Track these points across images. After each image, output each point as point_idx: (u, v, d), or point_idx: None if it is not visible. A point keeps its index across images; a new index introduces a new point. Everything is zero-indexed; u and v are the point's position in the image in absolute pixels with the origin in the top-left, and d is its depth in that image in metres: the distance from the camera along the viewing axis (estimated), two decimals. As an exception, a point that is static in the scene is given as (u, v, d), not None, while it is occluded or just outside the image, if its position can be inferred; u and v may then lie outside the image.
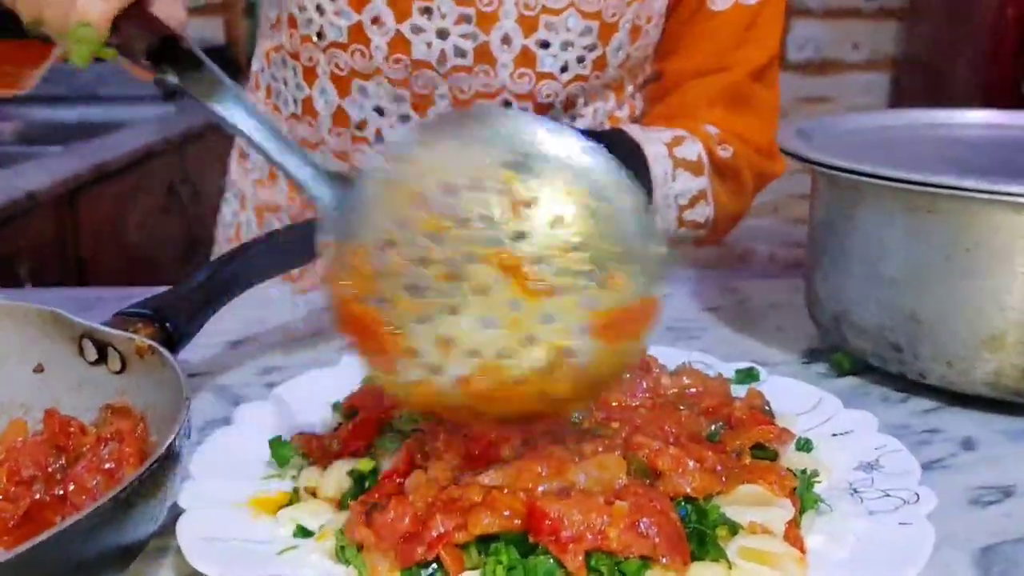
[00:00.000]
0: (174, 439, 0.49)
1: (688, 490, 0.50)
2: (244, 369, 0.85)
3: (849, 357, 0.82)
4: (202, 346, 0.90)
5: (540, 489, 0.50)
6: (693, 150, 1.00)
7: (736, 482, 0.52)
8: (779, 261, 3.01)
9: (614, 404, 0.59)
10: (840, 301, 0.81)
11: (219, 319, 0.97)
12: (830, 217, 0.81)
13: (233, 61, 2.97)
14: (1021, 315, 0.70)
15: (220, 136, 1.27)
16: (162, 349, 0.62)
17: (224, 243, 1.20)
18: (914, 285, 0.74)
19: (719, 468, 0.52)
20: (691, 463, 0.51)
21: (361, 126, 1.02)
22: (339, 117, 1.03)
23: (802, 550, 0.51)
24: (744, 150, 1.04)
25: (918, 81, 3.32)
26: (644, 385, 0.62)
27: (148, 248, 2.17)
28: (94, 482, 0.59)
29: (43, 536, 0.41)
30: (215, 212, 1.25)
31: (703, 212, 1.02)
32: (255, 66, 1.15)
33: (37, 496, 0.59)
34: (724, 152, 1.02)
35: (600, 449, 0.53)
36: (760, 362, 0.85)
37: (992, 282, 0.70)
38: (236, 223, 1.17)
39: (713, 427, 0.58)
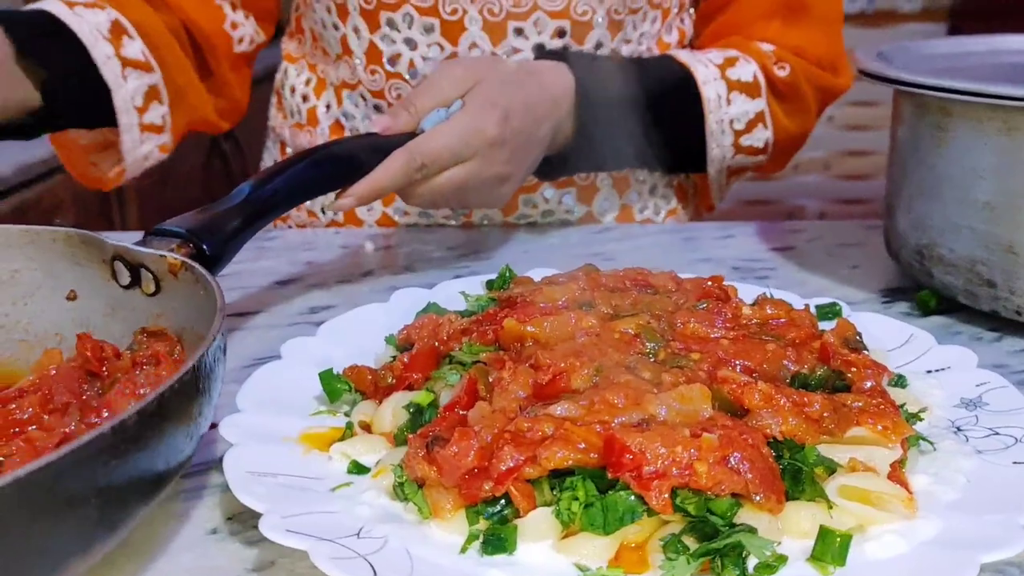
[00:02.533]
0: (206, 350, 0.45)
1: (776, 432, 0.45)
2: (292, 307, 0.81)
3: (935, 295, 0.76)
4: (248, 286, 0.87)
5: (617, 421, 0.45)
6: (748, 71, 0.95)
7: (847, 426, 0.47)
8: (831, 219, 2.93)
9: (690, 334, 0.54)
10: (926, 233, 0.75)
11: (266, 259, 0.94)
12: (916, 143, 0.75)
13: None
14: None
15: (263, 90, 1.23)
16: (196, 265, 0.58)
17: (267, 186, 1.16)
18: (1012, 212, 0.68)
19: (826, 416, 0.47)
20: (783, 400, 0.46)
21: (393, 61, 0.97)
22: (372, 53, 0.98)
23: (908, 491, 0.46)
24: (803, 66, 0.97)
25: (976, 29, 3.19)
26: (723, 315, 0.57)
27: (193, 205, 2.15)
28: (130, 405, 0.55)
29: (60, 452, 0.36)
30: (259, 166, 1.22)
31: (762, 136, 0.97)
32: (294, 10, 1.10)
33: (72, 426, 0.55)
34: (781, 71, 0.96)
35: (682, 380, 0.48)
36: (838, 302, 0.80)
37: (1103, 208, 0.64)
38: (278, 167, 1.13)
39: (817, 371, 0.53)
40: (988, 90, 0.66)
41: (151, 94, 0.93)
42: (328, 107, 1.05)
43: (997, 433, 0.51)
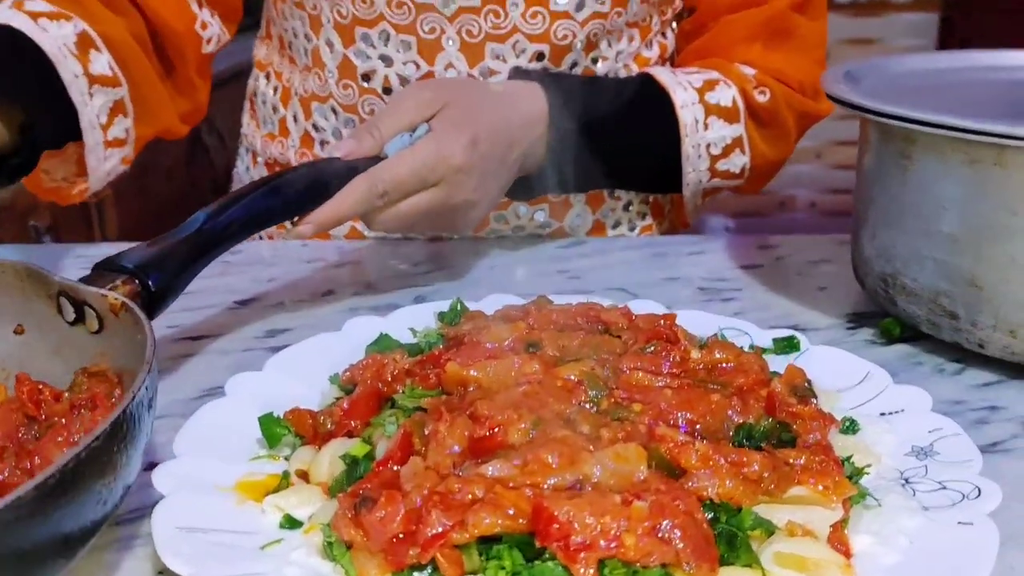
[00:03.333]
0: (124, 410, 0.43)
1: (712, 495, 0.44)
2: (246, 331, 0.80)
3: (899, 323, 0.75)
4: (208, 305, 0.86)
5: (549, 482, 0.44)
6: (727, 95, 0.93)
7: (787, 485, 0.46)
8: (821, 209, 2.91)
9: (634, 383, 0.53)
10: (890, 261, 0.74)
11: (229, 275, 0.93)
12: (881, 169, 0.74)
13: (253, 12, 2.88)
14: (1096, 281, 0.63)
15: (241, 87, 1.21)
16: (135, 308, 0.57)
17: (236, 196, 1.15)
18: (975, 245, 0.67)
19: (766, 476, 0.46)
20: (722, 460, 0.45)
21: (367, 76, 0.96)
22: (345, 68, 0.96)
23: (847, 554, 0.45)
24: (784, 91, 0.96)
25: (969, 21, 3.16)
26: (671, 359, 0.56)
27: (174, 198, 2.13)
28: (61, 455, 0.54)
29: None
30: (232, 174, 1.20)
31: (739, 162, 0.95)
32: (266, 13, 1.08)
33: (6, 473, 0.54)
34: (761, 96, 0.94)
35: (620, 436, 0.47)
36: (801, 327, 0.78)
37: (1065, 244, 0.63)
38: (250, 178, 1.12)
39: (761, 423, 0.51)
40: (950, 123, 0.64)
41: (116, 108, 0.89)
42: (295, 118, 1.04)
43: (945, 487, 0.50)
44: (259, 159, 1.10)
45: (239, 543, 0.47)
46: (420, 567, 0.43)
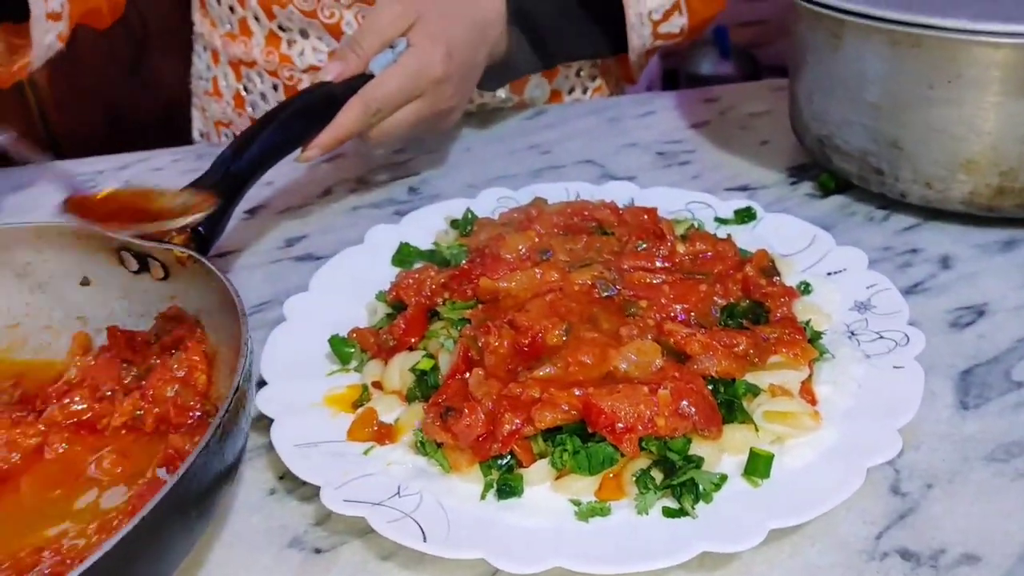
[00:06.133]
0: (247, 358, 0.54)
1: (713, 372, 0.58)
2: (265, 243, 0.89)
3: (834, 177, 0.88)
4: (218, 219, 0.94)
5: (590, 378, 0.57)
6: None
7: (766, 356, 0.59)
8: (734, 44, 2.93)
9: (637, 281, 0.65)
10: (824, 125, 0.86)
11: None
12: (814, 43, 0.84)
13: None
14: (994, 139, 0.75)
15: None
16: (203, 259, 0.66)
17: (202, 96, 1.19)
18: (897, 113, 0.79)
19: (751, 352, 0.59)
20: (717, 345, 0.58)
21: (290, 44, 1.04)
22: (271, 38, 1.06)
23: (814, 402, 0.60)
24: None
25: None
26: (660, 255, 0.68)
27: (106, 78, 2.10)
28: (172, 391, 0.64)
29: (161, 493, 0.45)
30: (188, 71, 1.23)
31: (678, 23, 1.04)
32: None
33: (124, 404, 0.64)
34: None
35: (635, 332, 0.60)
36: (751, 186, 0.91)
37: (969, 110, 0.75)
38: (212, 77, 1.16)
39: (740, 304, 0.64)
40: (876, 13, 0.74)
41: None
42: (257, 18, 1.07)
43: (882, 337, 0.64)
44: (221, 58, 1.14)
45: (346, 451, 0.59)
46: (500, 456, 0.56)
